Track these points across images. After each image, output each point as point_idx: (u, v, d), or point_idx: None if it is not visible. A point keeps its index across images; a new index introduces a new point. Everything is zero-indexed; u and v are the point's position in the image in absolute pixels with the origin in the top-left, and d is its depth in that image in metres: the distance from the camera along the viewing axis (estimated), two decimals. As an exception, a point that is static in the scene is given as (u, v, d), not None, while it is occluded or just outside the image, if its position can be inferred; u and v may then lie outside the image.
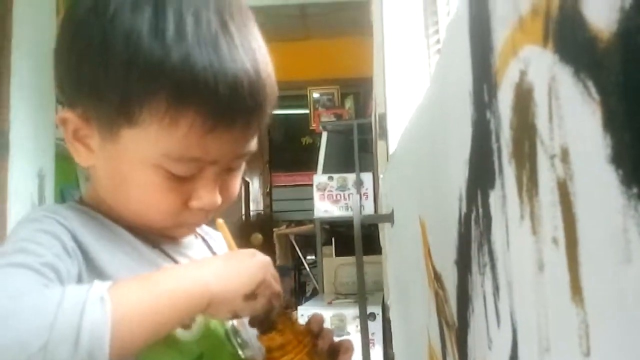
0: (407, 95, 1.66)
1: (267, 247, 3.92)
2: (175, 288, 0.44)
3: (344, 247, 3.04)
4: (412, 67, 1.68)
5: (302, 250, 3.89)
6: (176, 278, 0.45)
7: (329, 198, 3.21)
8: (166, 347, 0.50)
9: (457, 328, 0.71)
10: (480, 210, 0.56)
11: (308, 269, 3.81)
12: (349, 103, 3.68)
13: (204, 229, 0.64)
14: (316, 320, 0.59)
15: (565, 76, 0.31)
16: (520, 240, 0.44)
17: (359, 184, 3.21)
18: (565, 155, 0.32)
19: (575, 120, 0.31)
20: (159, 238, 0.58)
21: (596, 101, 0.27)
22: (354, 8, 3.01)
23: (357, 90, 4.03)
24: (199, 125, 0.49)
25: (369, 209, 2.91)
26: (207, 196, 0.53)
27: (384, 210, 1.73)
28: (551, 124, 0.34)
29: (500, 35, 0.44)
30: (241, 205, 4.82)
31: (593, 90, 0.28)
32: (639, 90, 0.24)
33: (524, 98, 0.39)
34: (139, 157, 0.50)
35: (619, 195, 0.26)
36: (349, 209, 2.90)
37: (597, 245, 0.29)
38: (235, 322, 0.59)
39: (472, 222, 0.59)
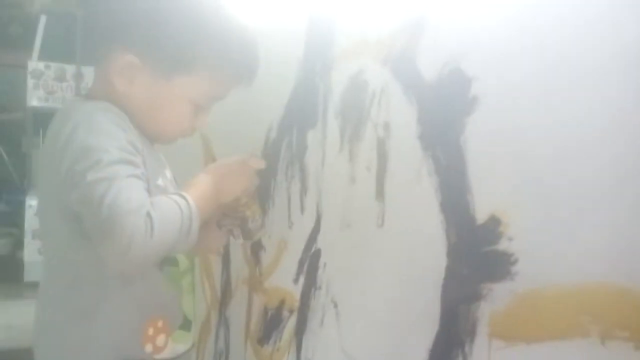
0: None
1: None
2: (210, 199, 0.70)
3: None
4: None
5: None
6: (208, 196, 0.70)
7: (44, 88, 3.07)
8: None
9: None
10: (295, 139, 0.84)
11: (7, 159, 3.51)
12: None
13: None
14: None
15: (395, 86, 0.61)
16: (337, 163, 0.73)
17: (78, 77, 3.14)
18: (386, 126, 0.63)
19: (398, 111, 0.61)
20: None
21: (414, 106, 0.58)
22: None
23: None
24: (236, 76, 0.73)
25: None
26: (206, 120, 0.76)
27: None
28: (379, 107, 0.64)
29: (343, 38, 0.71)
30: None
31: (414, 100, 0.58)
32: (420, 107, 0.55)
33: (358, 87, 0.68)
34: (184, 96, 0.71)
35: (420, 151, 0.57)
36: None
37: (399, 173, 0.61)
38: None
39: (283, 146, 0.87)
